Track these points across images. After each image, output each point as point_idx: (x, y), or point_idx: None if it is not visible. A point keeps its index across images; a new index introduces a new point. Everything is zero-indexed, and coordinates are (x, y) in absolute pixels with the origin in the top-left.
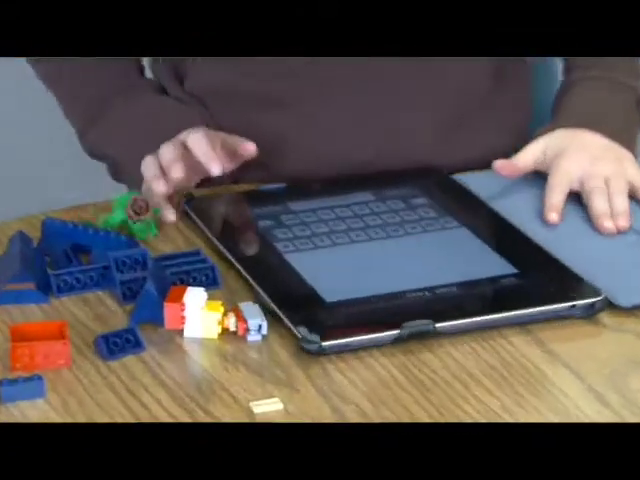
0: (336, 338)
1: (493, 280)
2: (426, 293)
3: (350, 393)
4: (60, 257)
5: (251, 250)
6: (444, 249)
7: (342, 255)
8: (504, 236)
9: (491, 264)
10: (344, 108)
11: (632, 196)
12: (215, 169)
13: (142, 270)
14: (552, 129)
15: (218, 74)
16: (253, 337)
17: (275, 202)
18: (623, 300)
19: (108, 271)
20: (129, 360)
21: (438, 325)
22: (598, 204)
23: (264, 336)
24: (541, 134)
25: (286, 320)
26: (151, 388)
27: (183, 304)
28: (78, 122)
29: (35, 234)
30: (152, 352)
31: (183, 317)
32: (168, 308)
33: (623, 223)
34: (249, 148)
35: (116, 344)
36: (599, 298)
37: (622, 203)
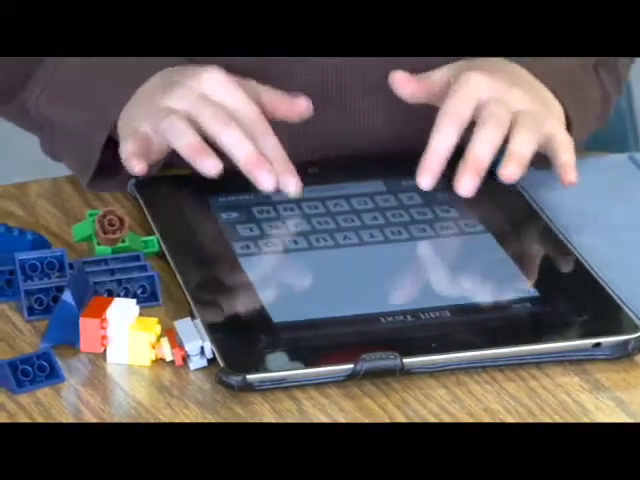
0: (269, 370)
1: (500, 306)
2: (408, 318)
3: None
4: None
5: (197, 249)
6: (452, 261)
7: (317, 263)
8: (540, 249)
9: (508, 284)
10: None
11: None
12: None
13: (59, 277)
14: None
15: None
16: (196, 364)
17: (251, 188)
18: None
19: (15, 278)
20: (43, 394)
21: (407, 360)
22: (480, 135)
23: (210, 360)
24: None
25: (211, 343)
26: None
27: (105, 320)
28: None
29: None
30: (73, 383)
31: (104, 337)
32: (84, 325)
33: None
34: (302, 105)
35: (26, 373)
36: (635, 335)
37: (524, 144)
